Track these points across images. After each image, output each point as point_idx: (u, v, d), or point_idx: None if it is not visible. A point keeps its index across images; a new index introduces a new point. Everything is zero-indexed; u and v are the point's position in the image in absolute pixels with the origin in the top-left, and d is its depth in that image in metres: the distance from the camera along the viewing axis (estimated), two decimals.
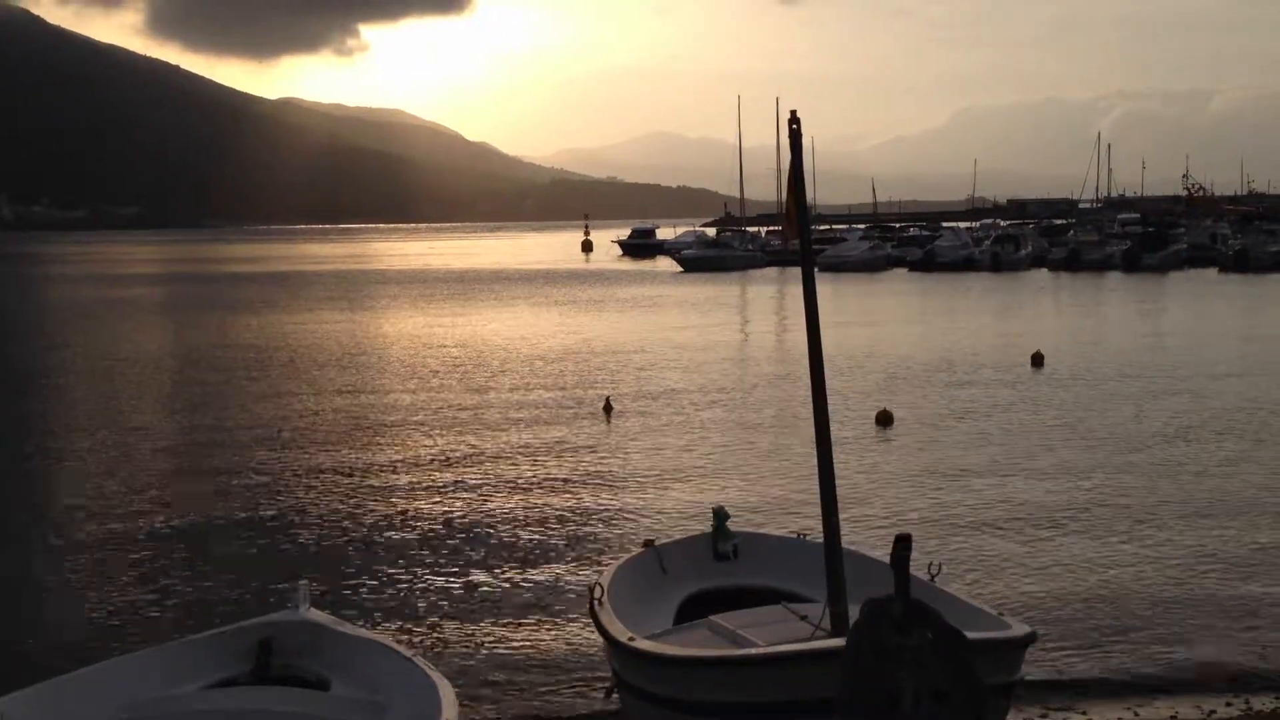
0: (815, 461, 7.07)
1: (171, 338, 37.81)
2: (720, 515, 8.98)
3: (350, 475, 15.59)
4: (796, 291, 6.93)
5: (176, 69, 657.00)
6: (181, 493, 14.78)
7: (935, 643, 5.60)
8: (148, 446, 18.06)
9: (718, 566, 8.78)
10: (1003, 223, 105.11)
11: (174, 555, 12.03)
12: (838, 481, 7.15)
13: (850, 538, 7.82)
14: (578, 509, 13.62)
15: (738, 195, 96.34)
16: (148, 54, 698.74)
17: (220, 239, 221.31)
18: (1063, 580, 10.72)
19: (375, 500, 14.20)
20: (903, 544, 5.88)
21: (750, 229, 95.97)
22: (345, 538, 12.54)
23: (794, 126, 7.32)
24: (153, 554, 12.04)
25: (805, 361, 7.43)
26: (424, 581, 11.03)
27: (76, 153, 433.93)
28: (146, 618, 10.08)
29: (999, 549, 11.72)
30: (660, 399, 21.72)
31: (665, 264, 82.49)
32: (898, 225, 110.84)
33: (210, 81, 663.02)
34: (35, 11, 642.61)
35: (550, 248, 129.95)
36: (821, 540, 7.27)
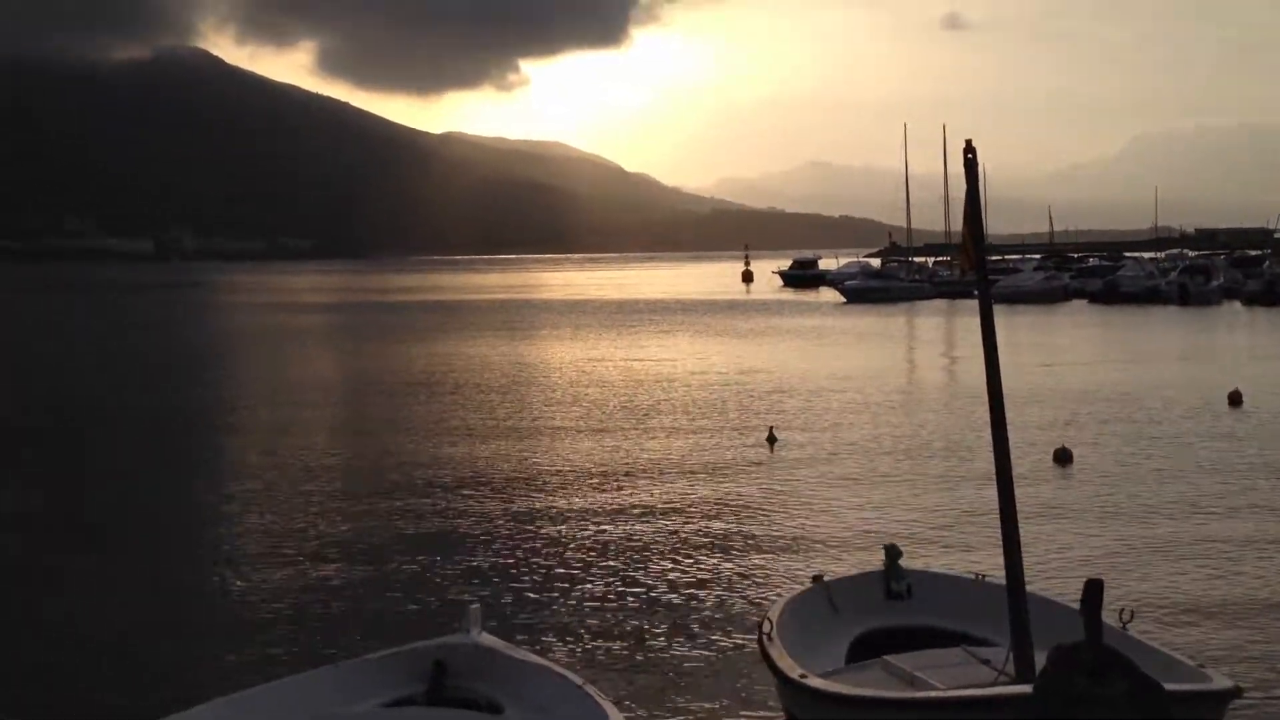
0: (990, 498, 6.82)
1: (341, 364, 38.97)
2: (893, 552, 8.76)
3: (515, 501, 15.71)
4: (966, 323, 6.73)
5: (346, 105, 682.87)
6: (353, 514, 15.07)
7: (1131, 693, 5.32)
8: (321, 468, 18.51)
9: (890, 605, 8.56)
10: (1190, 253, 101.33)
11: (346, 575, 12.23)
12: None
13: (1029, 580, 7.52)
14: (742, 540, 13.44)
15: (903, 225, 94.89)
16: (318, 92, 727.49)
17: (386, 269, 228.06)
18: (1270, 631, 10.04)
19: (540, 526, 14.26)
20: (1094, 589, 5.65)
21: (917, 259, 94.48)
22: (512, 563, 12.61)
23: (969, 155, 7.12)
24: (325, 573, 12.27)
25: (976, 395, 7.22)
26: (590, 608, 11.00)
27: (252, 187, 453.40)
28: (321, 636, 10.23)
29: (1194, 594, 11.05)
30: (825, 431, 21.38)
31: (828, 295, 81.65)
32: (1075, 255, 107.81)
33: (377, 117, 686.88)
34: (215, 52, 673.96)
35: (710, 278, 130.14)
36: (1001, 581, 7.01)
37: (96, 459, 20.47)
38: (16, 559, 13.36)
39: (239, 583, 12.02)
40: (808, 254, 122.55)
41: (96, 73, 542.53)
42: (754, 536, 13.54)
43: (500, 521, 14.52)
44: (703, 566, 12.37)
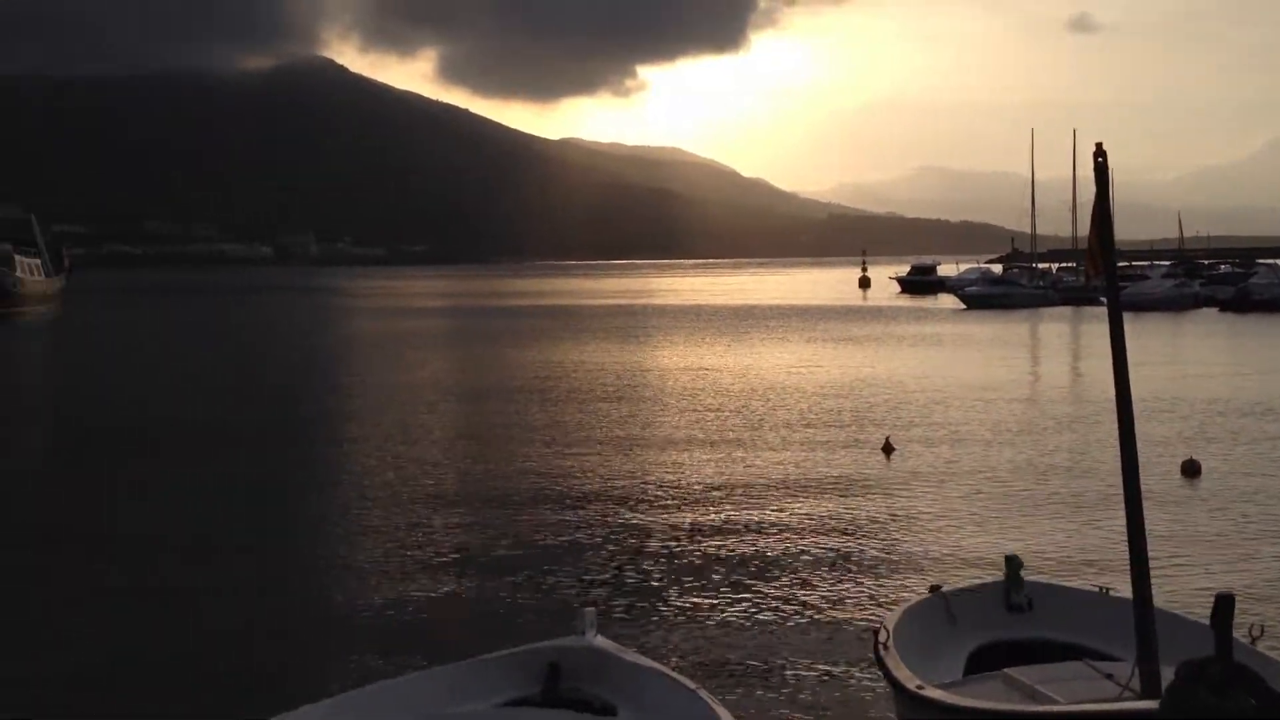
0: (1114, 511, 6.66)
1: (458, 368, 39.50)
2: (1014, 563, 8.60)
3: (628, 507, 15.78)
4: (1092, 331, 6.56)
5: (465, 112, 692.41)
6: (469, 516, 15.30)
7: (1257, 709, 5.17)
8: (438, 470, 18.82)
9: (1010, 617, 8.40)
10: None
11: (462, 577, 12.39)
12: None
13: (1155, 595, 7.33)
14: (858, 548, 13.33)
15: (1026, 230, 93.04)
16: (439, 99, 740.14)
17: (502, 274, 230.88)
18: None
19: (653, 532, 14.31)
20: (1225, 604, 5.48)
21: (1040, 265, 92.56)
22: (625, 568, 12.67)
23: (1099, 159, 6.97)
24: (441, 575, 12.46)
25: (1102, 405, 7.08)
26: (702, 613, 11.01)
27: (374, 193, 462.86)
28: (436, 636, 10.41)
29: None
30: (944, 439, 21.07)
31: (947, 301, 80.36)
32: (1206, 261, 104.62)
33: (496, 124, 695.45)
34: (339, 61, 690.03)
35: (826, 284, 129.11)
36: (1125, 595, 6.85)
37: (217, 460, 21.05)
38: (139, 559, 13.80)
39: (356, 584, 12.26)
40: (926, 259, 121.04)
41: (223, 82, 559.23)
42: (869, 546, 13.42)
43: (613, 527, 14.61)
44: (816, 575, 12.29)
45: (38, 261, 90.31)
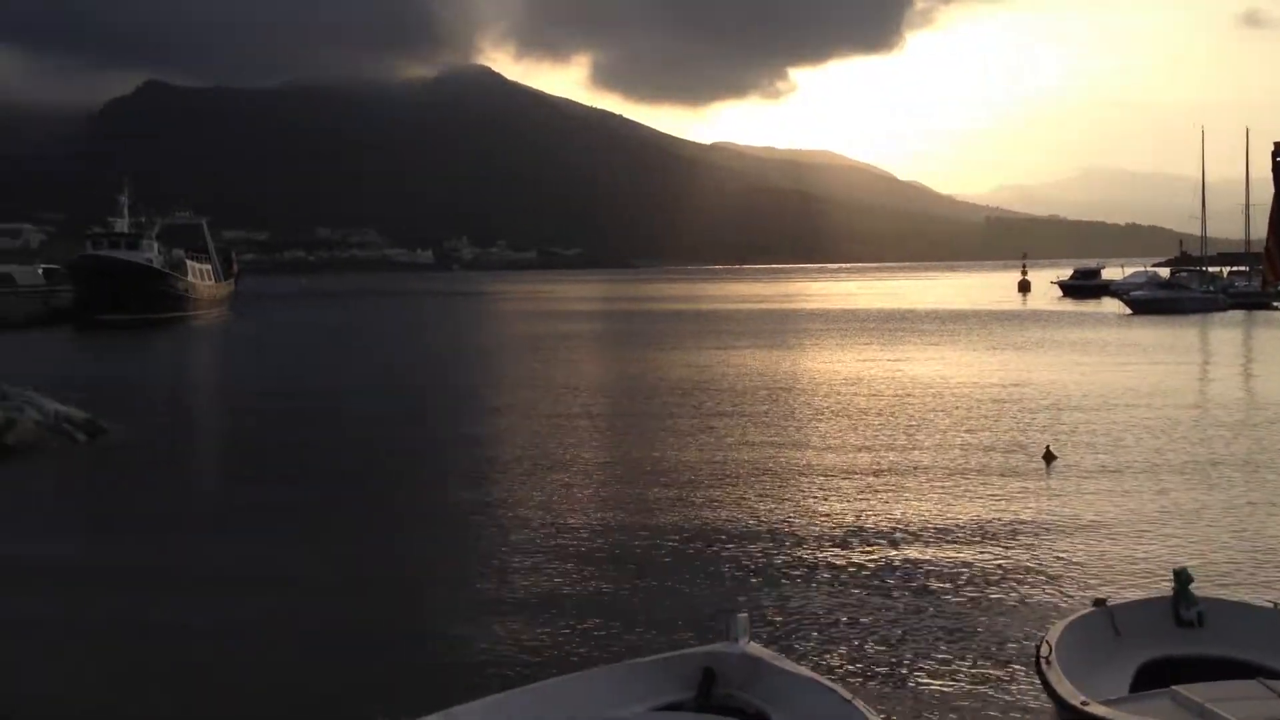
0: None
1: (609, 370, 39.88)
2: (1183, 577, 8.30)
3: (780, 510, 15.69)
4: (1267, 336, 6.22)
5: (617, 117, 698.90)
6: (621, 520, 15.39)
7: None
8: (589, 473, 19.02)
9: (1180, 633, 8.11)
10: None
11: (614, 581, 12.45)
12: None
13: None
14: (1017, 559, 12.98)
15: (1195, 233, 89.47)
16: (592, 104, 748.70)
17: (654, 277, 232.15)
18: None
19: (805, 535, 14.20)
20: None
21: (1210, 269, 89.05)
22: (779, 574, 12.56)
23: (1277, 159, 6.67)
24: (593, 578, 12.55)
25: (1276, 412, 6.70)
26: (856, 621, 10.86)
27: (528, 198, 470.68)
28: (590, 639, 10.49)
29: None
30: (1107, 449, 20.36)
31: (1111, 306, 77.80)
32: None
33: (648, 128, 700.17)
34: (496, 69, 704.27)
35: (985, 288, 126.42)
36: None
37: (400, 456, 21.67)
38: (283, 555, 14.27)
39: (509, 585, 12.44)
40: (1090, 263, 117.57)
41: (386, 91, 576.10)
42: (1029, 557, 13.06)
43: (765, 531, 14.53)
44: (974, 586, 12.02)
45: (208, 267, 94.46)
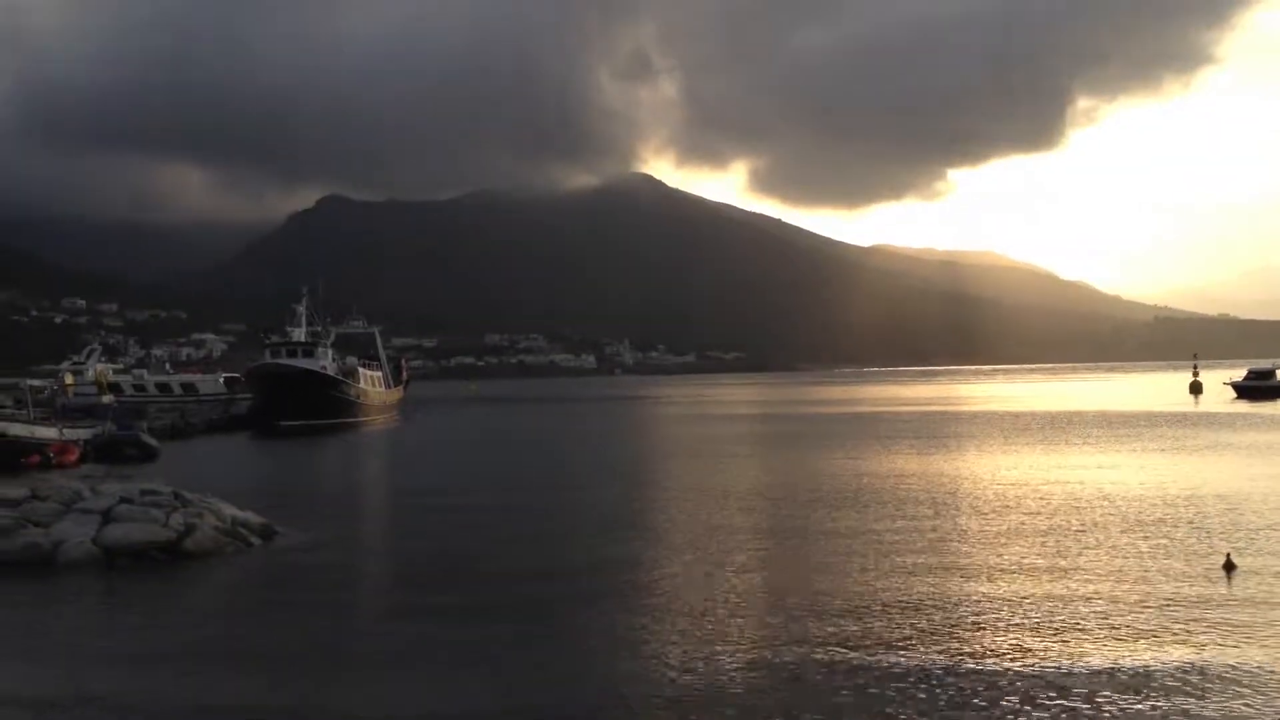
0: None
1: (763, 470, 39.58)
2: None
3: (933, 625, 15.38)
4: None
5: (776, 221, 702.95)
6: (761, 622, 15.34)
7: None
8: (747, 574, 18.97)
9: None
10: None
11: (752, 684, 12.37)
12: None
13: None
14: (1200, 682, 12.44)
15: None
16: (750, 208, 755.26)
17: (808, 381, 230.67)
18: None
19: (963, 654, 13.87)
20: None
21: None
22: (934, 691, 12.33)
23: None
24: (723, 682, 12.53)
25: None
26: None
27: (687, 302, 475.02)
28: None
29: None
30: None
31: None
32: None
33: (806, 231, 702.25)
34: (657, 176, 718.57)
35: (1154, 390, 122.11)
36: None
37: (560, 573, 21.92)
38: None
39: (655, 683, 12.40)
40: (1265, 363, 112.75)
41: (552, 201, 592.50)
42: (1213, 676, 12.53)
43: (920, 646, 14.25)
44: (1157, 709, 11.53)
45: (379, 374, 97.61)
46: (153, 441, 50.74)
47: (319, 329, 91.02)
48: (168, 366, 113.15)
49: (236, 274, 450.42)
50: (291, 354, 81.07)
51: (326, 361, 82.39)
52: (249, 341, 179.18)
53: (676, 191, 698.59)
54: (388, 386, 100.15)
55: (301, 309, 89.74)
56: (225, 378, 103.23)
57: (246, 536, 23.52)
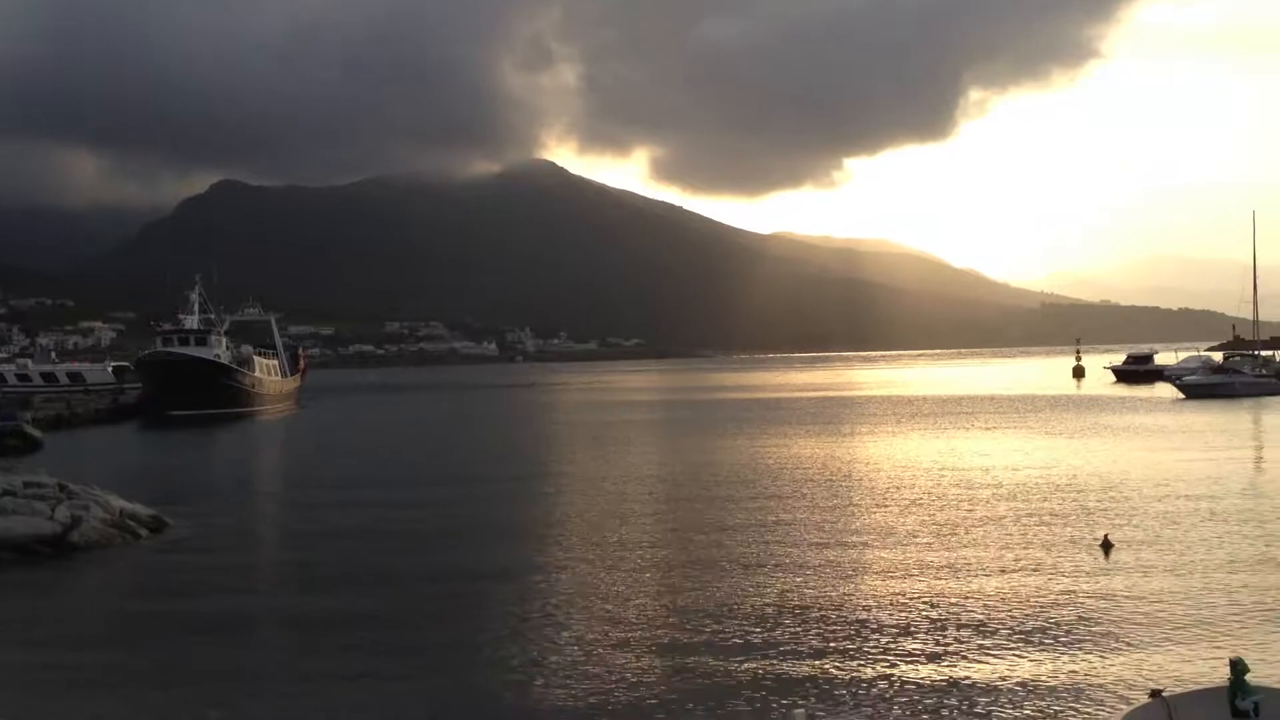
0: None
1: (664, 456, 39.85)
2: (1239, 668, 8.32)
3: (828, 604, 15.76)
4: None
5: (678, 209, 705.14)
6: (664, 607, 15.55)
7: None
8: (644, 557, 19.15)
9: None
10: None
11: (668, 673, 12.59)
12: None
13: None
14: (1075, 650, 12.98)
15: (1248, 317, 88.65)
16: (652, 196, 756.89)
17: (709, 367, 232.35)
18: None
19: (855, 631, 14.23)
20: None
21: (1264, 353, 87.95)
22: (833, 665, 12.65)
23: None
24: (648, 665, 12.71)
25: None
26: (915, 713, 10.90)
27: (589, 289, 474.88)
28: None
29: None
30: (1164, 538, 20.24)
31: (1165, 391, 77.10)
32: None
33: (706, 219, 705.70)
34: (559, 163, 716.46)
35: (1039, 374, 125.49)
36: None
37: (451, 552, 21.88)
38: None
39: (562, 667, 12.60)
40: (1143, 348, 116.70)
41: (452, 188, 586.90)
42: (1087, 647, 13.07)
43: (814, 623, 14.62)
44: (1031, 675, 12.05)
45: (275, 362, 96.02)
46: (36, 432, 49.61)
47: (212, 316, 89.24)
48: (53, 355, 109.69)
49: (128, 261, 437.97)
50: (184, 342, 79.46)
51: (220, 349, 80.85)
52: (140, 330, 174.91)
53: (579, 178, 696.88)
54: (284, 375, 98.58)
55: (194, 296, 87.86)
56: (114, 367, 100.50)
57: (135, 529, 23.11)
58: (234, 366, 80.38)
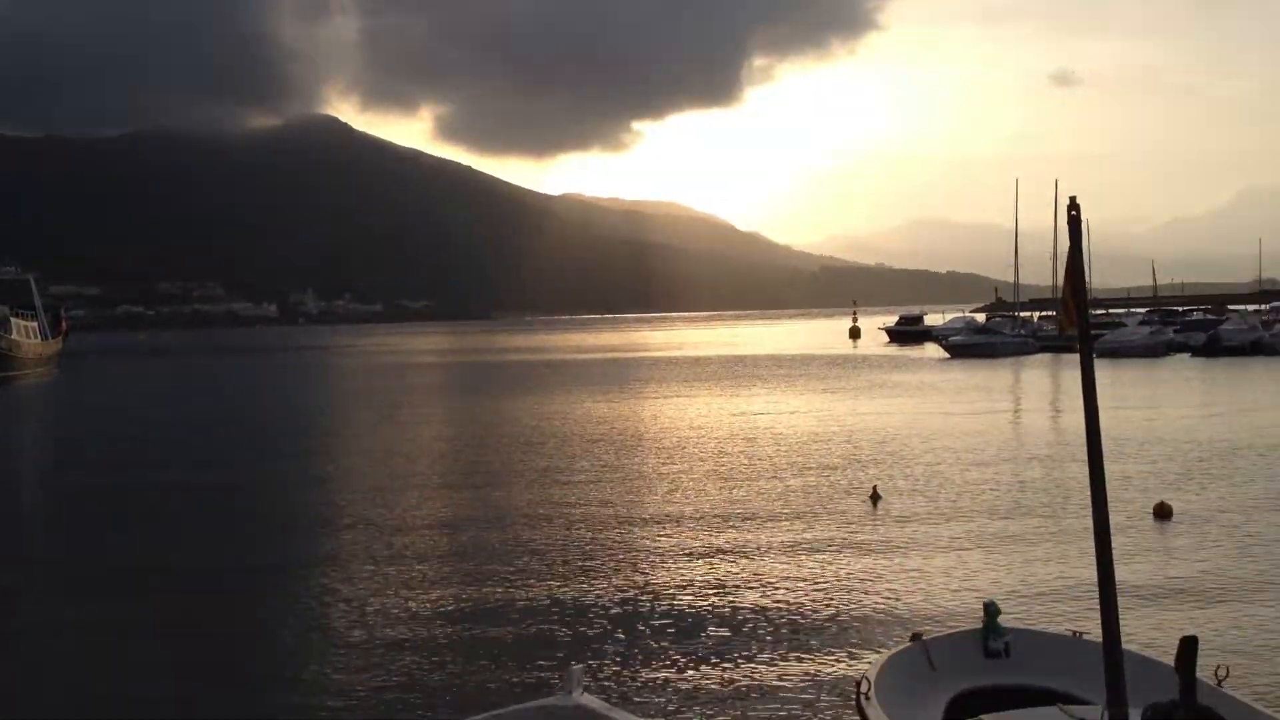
0: (1091, 555, 6.73)
1: (449, 421, 39.58)
2: (991, 610, 8.70)
3: (613, 559, 15.90)
4: (1071, 378, 6.67)
5: (465, 169, 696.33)
6: (451, 573, 15.40)
7: None
8: (419, 527, 18.88)
9: (988, 664, 8.48)
10: None
11: (445, 637, 12.42)
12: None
13: (1128, 638, 7.41)
14: (841, 598, 13.45)
15: (1010, 280, 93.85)
16: (439, 155, 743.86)
17: (501, 329, 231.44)
18: None
19: (637, 585, 14.40)
20: (1189, 645, 5.62)
21: (1022, 314, 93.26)
22: (610, 622, 12.75)
23: (1073, 213, 7.07)
24: (424, 635, 12.50)
25: (1080, 451, 7.16)
26: (688, 670, 11.09)
27: (374, 250, 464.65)
28: (421, 698, 10.48)
29: None
30: (928, 487, 21.25)
31: (933, 350, 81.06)
32: (1180, 309, 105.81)
33: (495, 179, 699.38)
34: (342, 119, 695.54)
35: (818, 335, 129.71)
36: (1100, 640, 6.94)
37: (199, 516, 21.11)
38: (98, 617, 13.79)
39: (336, 641, 12.33)
40: (914, 310, 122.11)
41: (229, 142, 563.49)
42: (854, 596, 13.54)
43: (598, 581, 14.71)
44: (801, 623, 12.41)
45: (34, 324, 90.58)
46: None
47: None
48: None
49: None
50: None
51: None
52: None
53: (363, 135, 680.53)
54: (44, 338, 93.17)
55: None
56: None
57: None
58: None
